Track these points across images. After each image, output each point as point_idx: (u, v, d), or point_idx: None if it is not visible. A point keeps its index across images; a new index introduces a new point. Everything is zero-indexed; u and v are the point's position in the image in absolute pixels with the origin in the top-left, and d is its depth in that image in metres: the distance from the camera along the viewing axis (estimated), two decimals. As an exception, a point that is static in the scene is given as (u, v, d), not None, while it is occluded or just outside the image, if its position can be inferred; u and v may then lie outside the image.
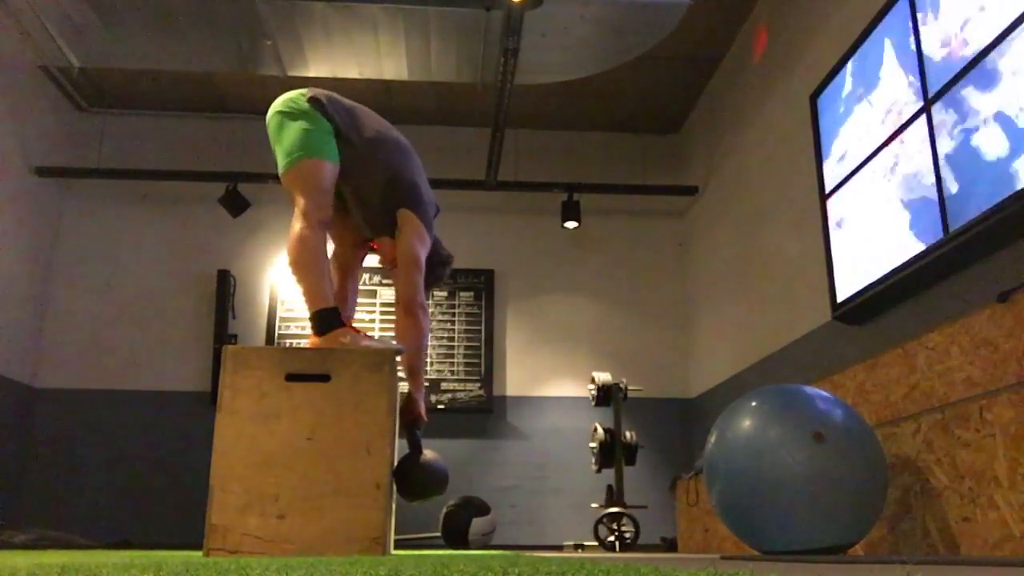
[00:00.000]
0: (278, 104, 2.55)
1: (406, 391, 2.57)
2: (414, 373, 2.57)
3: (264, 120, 2.57)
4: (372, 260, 2.89)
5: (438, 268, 2.74)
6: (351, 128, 2.56)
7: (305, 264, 2.40)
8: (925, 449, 2.61)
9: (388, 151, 2.64)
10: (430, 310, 5.57)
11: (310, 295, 2.40)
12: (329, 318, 2.39)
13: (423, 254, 2.60)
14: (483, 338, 6.57)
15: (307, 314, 2.43)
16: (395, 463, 2.29)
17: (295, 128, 2.48)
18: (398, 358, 2.36)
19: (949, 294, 3.23)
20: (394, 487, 2.30)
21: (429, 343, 6.23)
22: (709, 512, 4.24)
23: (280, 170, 2.50)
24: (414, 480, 2.43)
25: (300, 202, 2.44)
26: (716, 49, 5.99)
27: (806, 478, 2.28)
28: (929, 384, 2.70)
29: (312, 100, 2.51)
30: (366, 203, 2.62)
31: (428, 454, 2.49)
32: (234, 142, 6.63)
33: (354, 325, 2.56)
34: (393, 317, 5.90)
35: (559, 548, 5.74)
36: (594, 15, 5.01)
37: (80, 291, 6.40)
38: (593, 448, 5.09)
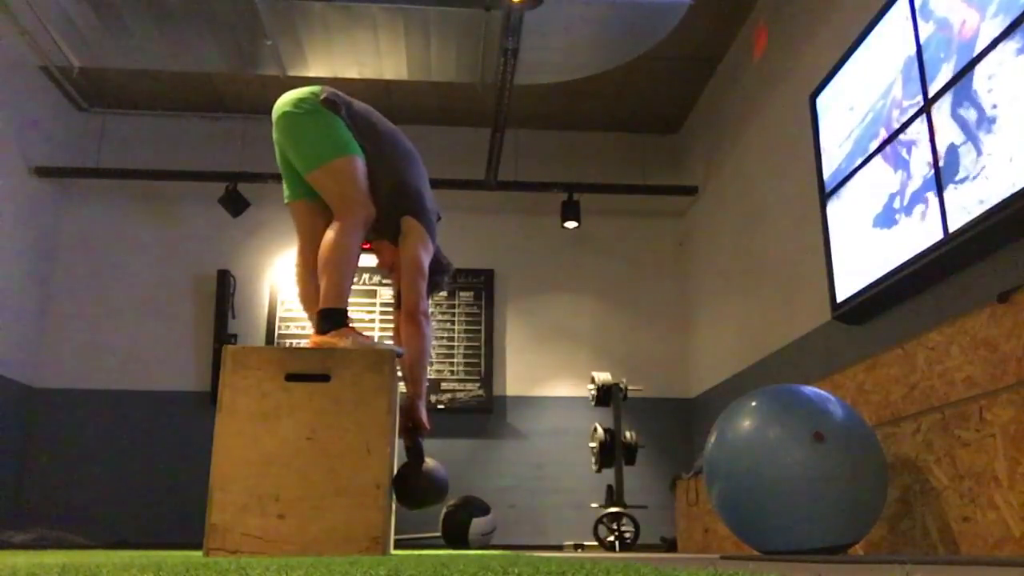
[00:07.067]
0: (288, 103, 2.53)
1: (408, 398, 2.56)
2: (416, 380, 2.56)
3: (264, 120, 2.56)
4: (370, 260, 2.88)
5: (437, 276, 2.74)
6: (365, 130, 2.57)
7: (337, 261, 2.41)
8: (925, 449, 2.60)
9: (397, 157, 2.64)
10: (430, 310, 5.57)
11: (329, 291, 2.40)
12: (337, 318, 2.39)
13: (426, 261, 2.61)
14: (483, 338, 6.57)
15: (307, 314, 2.43)
16: (395, 467, 2.28)
17: (318, 126, 2.48)
18: (398, 363, 2.36)
19: (949, 294, 3.23)
20: (393, 493, 2.30)
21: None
22: (709, 512, 4.24)
23: (310, 167, 2.49)
24: (414, 489, 2.42)
25: (343, 202, 2.46)
26: (716, 49, 5.99)
27: (806, 478, 2.28)
28: (929, 384, 2.70)
29: (326, 101, 2.51)
30: None
31: (429, 462, 2.48)
32: (234, 142, 6.63)
33: (352, 325, 2.55)
34: (391, 318, 5.90)
35: (559, 548, 5.74)
36: (594, 15, 5.00)
37: (80, 291, 6.40)
38: (593, 448, 5.09)
